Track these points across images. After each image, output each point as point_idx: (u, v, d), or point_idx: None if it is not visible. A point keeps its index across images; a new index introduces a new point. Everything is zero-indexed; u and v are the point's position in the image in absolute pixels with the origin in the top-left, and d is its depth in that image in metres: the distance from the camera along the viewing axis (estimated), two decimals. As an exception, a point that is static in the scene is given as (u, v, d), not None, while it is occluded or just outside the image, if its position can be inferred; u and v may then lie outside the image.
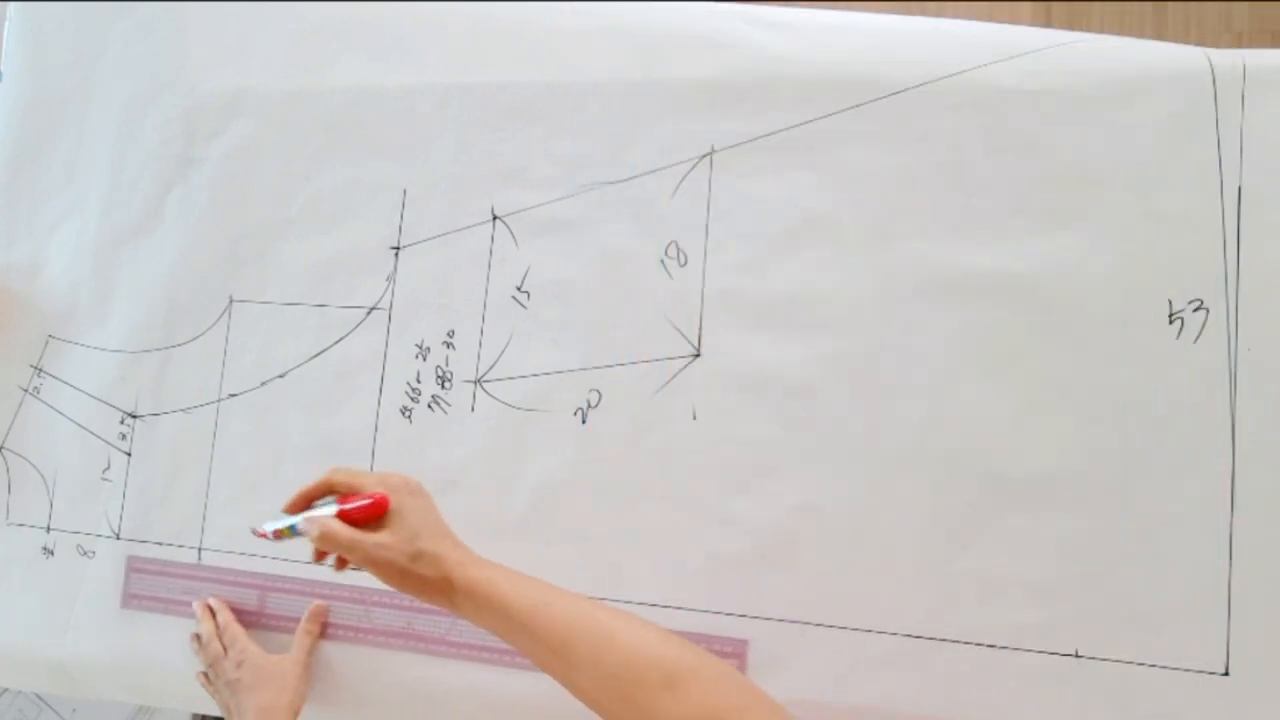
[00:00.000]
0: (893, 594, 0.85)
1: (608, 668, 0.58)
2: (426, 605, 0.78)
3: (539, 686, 0.89)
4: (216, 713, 0.94)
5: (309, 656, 0.92)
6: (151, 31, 1.08)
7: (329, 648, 0.95)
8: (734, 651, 0.86)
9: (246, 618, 0.97)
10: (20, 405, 1.07)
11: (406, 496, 0.68)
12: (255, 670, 0.90)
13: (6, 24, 1.14)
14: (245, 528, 0.96)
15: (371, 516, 0.66)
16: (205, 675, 0.95)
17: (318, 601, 0.94)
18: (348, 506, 0.67)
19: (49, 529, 1.04)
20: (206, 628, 0.94)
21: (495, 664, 0.91)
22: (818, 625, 0.85)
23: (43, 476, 1.05)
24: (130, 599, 1.01)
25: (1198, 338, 0.83)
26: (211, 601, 0.96)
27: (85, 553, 1.03)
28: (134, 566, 1.01)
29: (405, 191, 0.99)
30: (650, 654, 0.58)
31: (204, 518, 1.00)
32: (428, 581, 0.65)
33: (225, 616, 0.94)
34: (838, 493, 0.86)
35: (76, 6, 1.11)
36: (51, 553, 1.04)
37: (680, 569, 0.88)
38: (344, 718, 0.95)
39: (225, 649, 0.92)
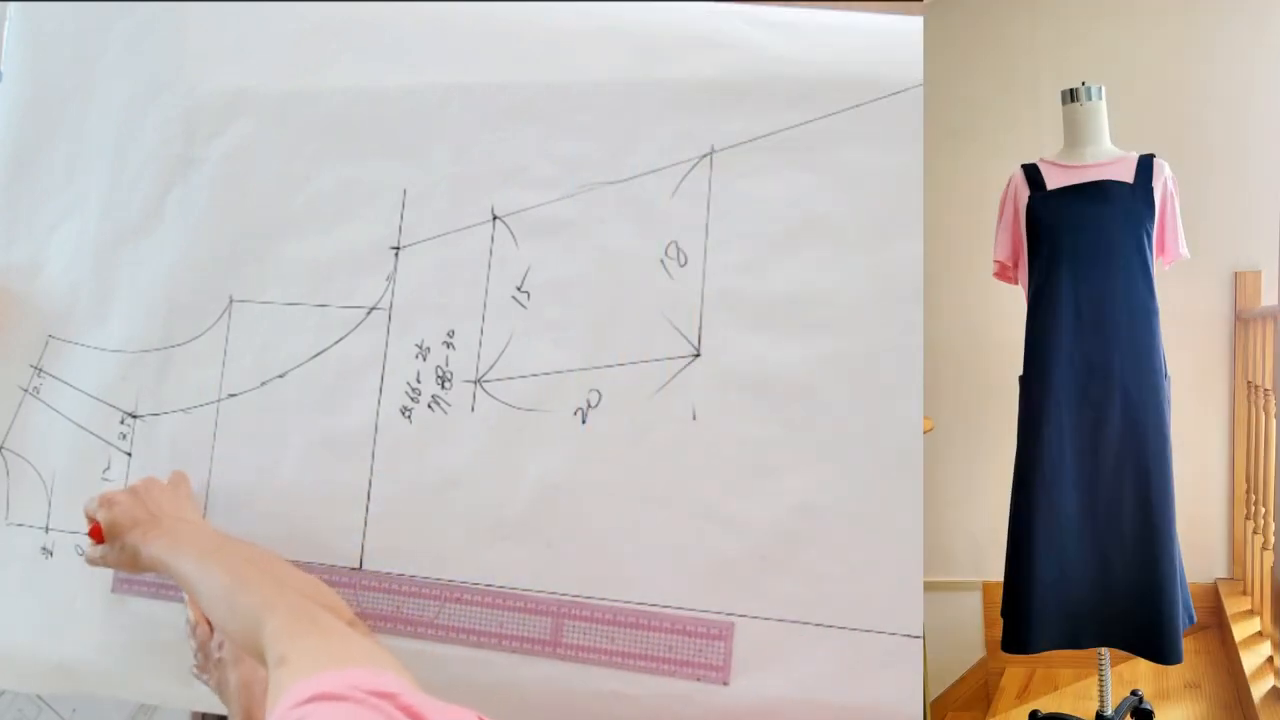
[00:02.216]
0: (892, 594, 0.85)
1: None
2: (414, 591, 0.94)
3: (523, 666, 0.90)
4: (215, 712, 0.94)
5: None
6: (151, 31, 1.08)
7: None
8: (719, 634, 0.87)
9: None
10: (20, 405, 1.07)
11: (103, 511, 0.90)
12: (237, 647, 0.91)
13: (6, 24, 1.14)
14: (246, 527, 0.96)
15: (98, 536, 0.90)
16: (197, 667, 0.96)
17: None
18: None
19: (48, 529, 1.04)
20: (194, 613, 0.95)
21: (480, 646, 0.91)
22: (817, 625, 0.85)
23: (41, 476, 1.05)
24: (120, 583, 1.01)
25: None
26: None
27: (85, 553, 1.03)
28: None
29: (405, 191, 0.99)
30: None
31: (204, 517, 1.00)
32: (131, 562, 0.88)
33: None
34: (838, 493, 0.86)
35: (76, 6, 1.11)
36: (50, 553, 1.04)
37: (680, 569, 0.88)
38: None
39: (211, 631, 0.93)
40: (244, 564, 0.80)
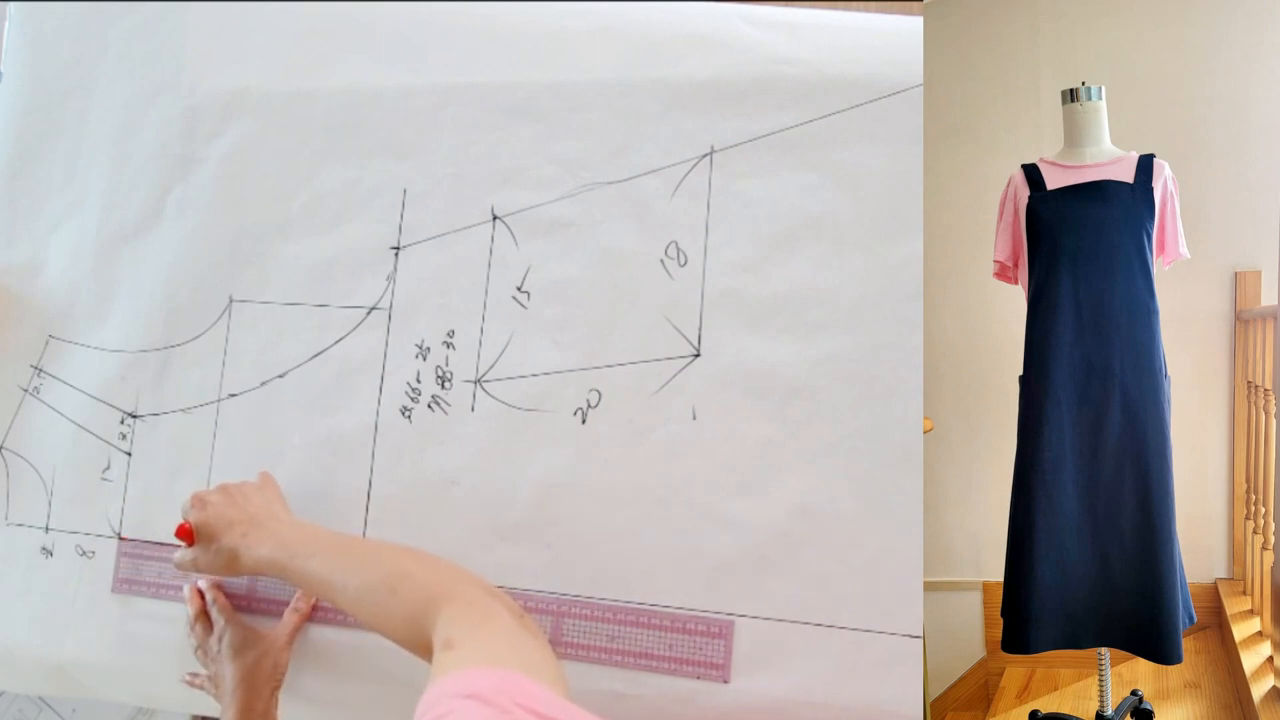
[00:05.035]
0: (892, 594, 0.85)
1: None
2: None
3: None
4: (216, 713, 0.95)
5: (294, 632, 0.94)
6: (151, 31, 1.08)
7: (317, 629, 0.96)
8: (719, 633, 0.87)
9: (236, 601, 0.97)
10: (20, 405, 1.07)
11: (195, 512, 0.87)
12: (239, 639, 0.92)
13: (6, 24, 1.14)
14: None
15: (188, 538, 0.87)
16: (192, 675, 0.97)
17: None
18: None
19: (48, 529, 1.04)
20: (194, 607, 0.96)
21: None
22: (817, 625, 0.85)
23: (41, 476, 1.05)
24: (121, 583, 1.01)
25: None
26: (201, 584, 0.97)
27: (85, 553, 1.03)
28: (123, 552, 1.01)
29: (405, 191, 0.99)
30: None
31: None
32: (227, 565, 0.84)
33: (213, 594, 0.96)
34: (838, 493, 0.86)
35: (76, 6, 1.11)
36: (51, 553, 1.04)
37: (680, 569, 0.88)
38: (327, 694, 0.96)
39: (212, 624, 0.94)
40: (400, 556, 0.77)
